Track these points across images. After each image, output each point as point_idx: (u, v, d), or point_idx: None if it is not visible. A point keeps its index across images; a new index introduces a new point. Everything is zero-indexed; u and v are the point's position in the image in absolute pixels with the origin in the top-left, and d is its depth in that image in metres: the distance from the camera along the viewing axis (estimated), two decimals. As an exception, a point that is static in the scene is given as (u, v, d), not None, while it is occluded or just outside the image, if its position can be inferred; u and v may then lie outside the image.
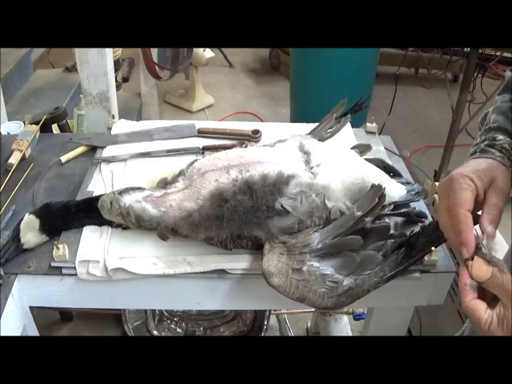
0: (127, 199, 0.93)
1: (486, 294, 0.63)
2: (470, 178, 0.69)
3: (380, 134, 1.35)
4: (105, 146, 1.22)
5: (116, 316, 1.79)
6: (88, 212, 0.96)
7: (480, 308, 0.60)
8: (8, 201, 1.06)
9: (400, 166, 1.20)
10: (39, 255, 0.94)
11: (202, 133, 1.29)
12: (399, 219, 1.02)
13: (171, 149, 1.21)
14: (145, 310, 1.73)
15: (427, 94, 3.62)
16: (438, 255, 0.92)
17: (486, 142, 0.76)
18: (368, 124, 1.34)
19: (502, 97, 0.82)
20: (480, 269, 0.62)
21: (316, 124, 1.20)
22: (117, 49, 2.52)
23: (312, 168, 0.95)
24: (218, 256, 0.92)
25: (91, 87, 1.54)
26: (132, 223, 0.94)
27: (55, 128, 1.53)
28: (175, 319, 1.78)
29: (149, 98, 3.04)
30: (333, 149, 1.04)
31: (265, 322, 1.72)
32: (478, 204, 0.68)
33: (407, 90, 3.47)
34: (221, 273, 0.91)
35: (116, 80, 1.85)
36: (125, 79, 2.99)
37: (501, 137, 0.75)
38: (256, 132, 1.26)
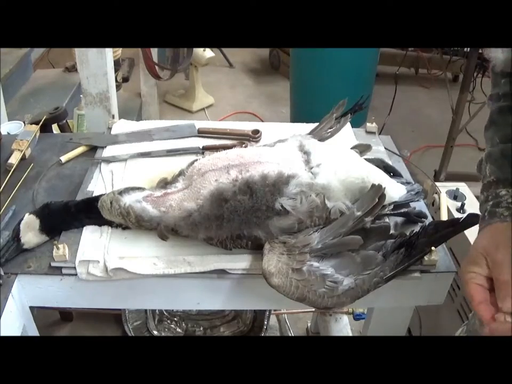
0: (127, 199, 0.93)
1: None
2: (467, 271, 0.68)
3: (380, 134, 1.35)
4: (105, 146, 1.22)
5: (116, 316, 1.79)
6: (88, 212, 0.96)
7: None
8: (8, 201, 1.06)
9: (400, 166, 1.20)
10: (39, 255, 0.94)
11: (202, 133, 1.29)
12: (399, 219, 1.02)
13: (171, 149, 1.21)
14: (145, 310, 1.73)
15: (427, 94, 3.61)
16: (438, 255, 0.92)
17: (491, 203, 0.73)
18: (368, 124, 1.34)
19: (492, 136, 0.77)
20: None
21: (316, 124, 1.20)
22: (117, 49, 2.51)
23: (312, 168, 0.95)
24: (218, 256, 0.92)
25: (91, 87, 1.54)
26: (132, 223, 0.94)
27: (55, 128, 1.53)
28: (175, 319, 1.77)
29: (149, 98, 3.04)
30: (333, 149, 1.04)
31: (265, 322, 1.72)
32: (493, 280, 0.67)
33: (407, 90, 3.47)
34: (221, 273, 0.91)
35: (116, 80, 1.85)
36: (125, 79, 2.99)
37: (503, 192, 0.72)
38: (256, 131, 1.26)
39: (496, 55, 0.76)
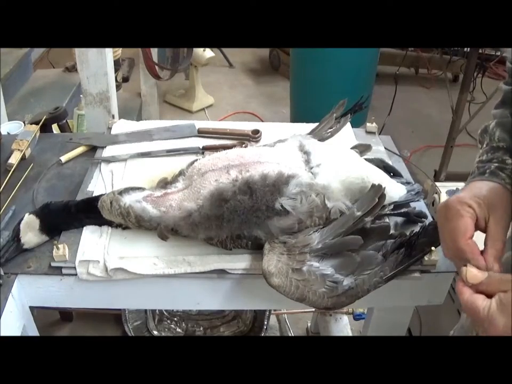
0: (127, 199, 0.93)
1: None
2: (468, 204, 0.67)
3: (380, 134, 1.35)
4: (105, 146, 1.22)
5: (116, 316, 1.79)
6: (88, 212, 0.96)
7: (477, 297, 0.60)
8: (8, 201, 1.06)
9: (400, 166, 1.20)
10: (39, 255, 0.94)
11: (202, 133, 1.29)
12: (399, 219, 1.02)
13: (171, 149, 1.21)
14: (145, 310, 1.73)
15: (427, 94, 3.62)
16: (438, 255, 0.91)
17: (496, 164, 0.73)
18: (368, 124, 1.34)
19: (502, 111, 0.79)
20: (475, 273, 0.62)
21: (316, 124, 1.20)
22: (117, 49, 2.52)
23: (312, 168, 0.95)
24: (218, 256, 0.92)
25: (91, 87, 1.54)
26: (132, 223, 0.94)
27: (55, 128, 1.53)
28: (175, 319, 1.78)
29: (149, 98, 3.04)
30: (333, 149, 1.04)
31: (265, 322, 1.72)
32: (477, 229, 0.67)
33: (407, 90, 3.47)
34: (221, 273, 0.91)
35: (116, 80, 1.85)
36: (125, 79, 2.99)
37: (509, 161, 0.73)
38: (256, 131, 1.26)
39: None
